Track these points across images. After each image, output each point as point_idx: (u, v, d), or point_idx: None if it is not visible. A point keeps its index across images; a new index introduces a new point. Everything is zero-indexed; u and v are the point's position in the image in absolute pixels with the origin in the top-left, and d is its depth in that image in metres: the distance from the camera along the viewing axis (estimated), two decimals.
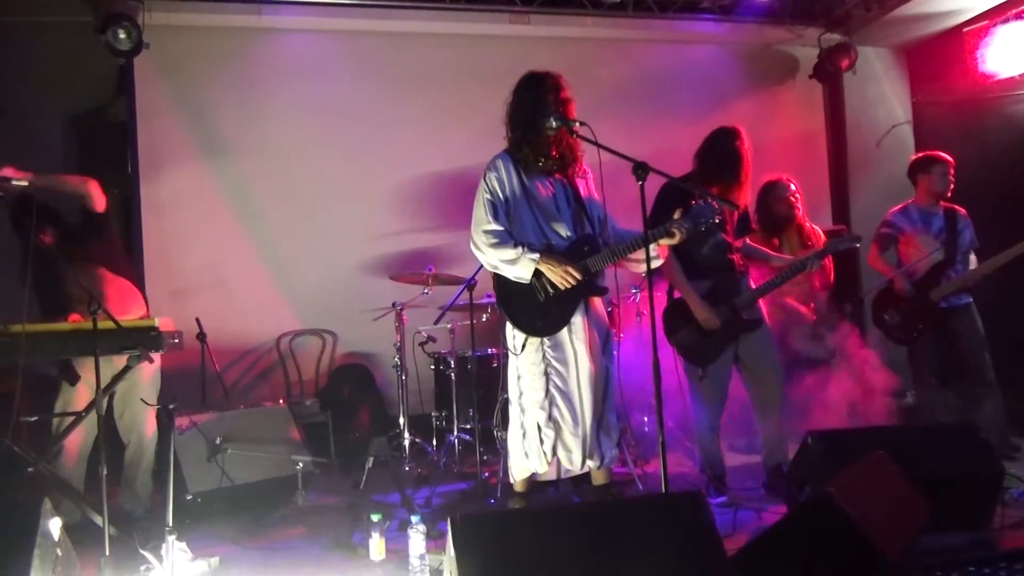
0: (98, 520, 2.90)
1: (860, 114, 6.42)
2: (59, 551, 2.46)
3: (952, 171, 4.41)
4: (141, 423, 3.74)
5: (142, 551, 2.84)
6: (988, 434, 3.50)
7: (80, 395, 3.59)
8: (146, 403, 3.63)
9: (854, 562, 2.12)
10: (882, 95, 6.48)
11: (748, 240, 3.88)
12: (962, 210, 4.47)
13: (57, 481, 3.26)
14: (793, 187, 4.62)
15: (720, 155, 3.56)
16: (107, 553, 2.80)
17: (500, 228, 3.21)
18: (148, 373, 3.65)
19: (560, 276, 3.15)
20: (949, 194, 4.44)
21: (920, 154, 4.62)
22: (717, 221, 3.18)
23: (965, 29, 5.88)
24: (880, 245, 4.52)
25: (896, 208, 4.56)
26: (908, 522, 2.40)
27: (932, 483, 2.58)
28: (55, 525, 2.46)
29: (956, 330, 4.34)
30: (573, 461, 3.23)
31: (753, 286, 3.72)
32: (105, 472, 2.87)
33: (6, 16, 5.11)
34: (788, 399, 3.77)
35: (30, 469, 3.01)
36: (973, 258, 4.42)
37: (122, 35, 4.78)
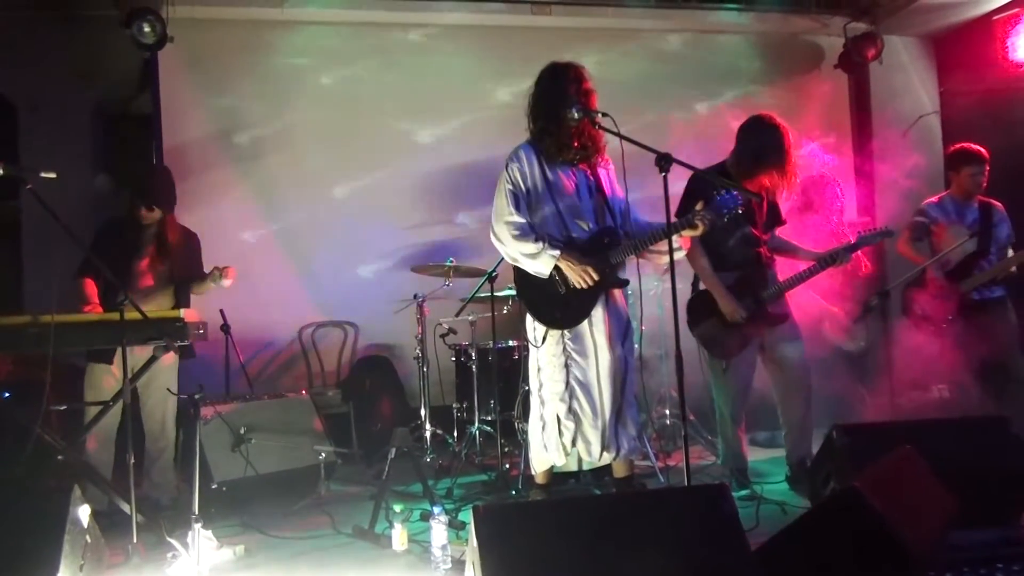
0: (126, 508, 2.95)
1: (886, 104, 6.31)
2: (88, 538, 2.50)
3: (986, 169, 4.34)
4: (163, 409, 3.84)
5: (169, 538, 2.87)
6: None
7: (107, 383, 3.66)
8: (170, 392, 3.71)
9: (880, 558, 2.09)
10: (909, 85, 6.37)
11: (777, 232, 3.82)
12: (998, 204, 4.44)
13: (86, 468, 3.31)
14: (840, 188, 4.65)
15: (765, 143, 3.47)
16: (135, 540, 2.86)
17: (522, 220, 3.20)
18: (168, 359, 3.74)
19: (578, 276, 3.14)
20: (979, 193, 4.39)
21: (954, 148, 4.52)
22: (740, 211, 3.13)
23: (995, 17, 5.75)
24: (911, 233, 4.47)
25: (932, 199, 4.54)
26: (936, 518, 2.37)
27: (960, 478, 2.54)
28: (84, 512, 2.50)
29: (989, 323, 4.29)
30: (592, 453, 3.23)
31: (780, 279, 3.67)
32: (133, 460, 2.93)
33: (35, 11, 5.18)
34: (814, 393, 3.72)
35: (60, 457, 3.06)
36: (1011, 253, 4.36)
37: (146, 29, 4.84)
